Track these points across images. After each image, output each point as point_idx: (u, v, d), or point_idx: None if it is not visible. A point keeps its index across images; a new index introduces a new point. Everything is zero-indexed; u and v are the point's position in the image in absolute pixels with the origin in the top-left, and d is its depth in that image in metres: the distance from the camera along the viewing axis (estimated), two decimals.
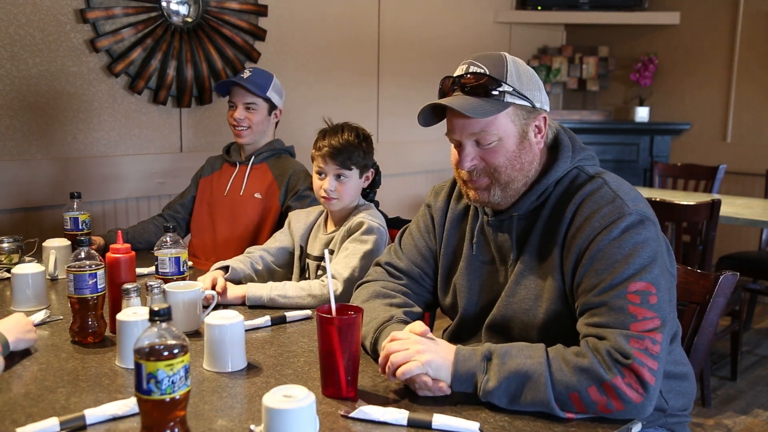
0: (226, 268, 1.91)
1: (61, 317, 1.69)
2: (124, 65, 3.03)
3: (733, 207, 3.45)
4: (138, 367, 0.97)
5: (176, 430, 0.99)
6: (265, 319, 1.65)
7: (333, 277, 1.82)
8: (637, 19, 4.93)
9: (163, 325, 0.99)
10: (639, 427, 1.18)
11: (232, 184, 2.50)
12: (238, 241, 2.42)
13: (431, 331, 1.30)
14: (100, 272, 1.54)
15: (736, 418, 2.97)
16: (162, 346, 0.97)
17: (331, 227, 2.04)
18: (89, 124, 3.01)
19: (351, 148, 1.94)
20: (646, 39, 5.15)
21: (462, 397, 1.22)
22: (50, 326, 1.63)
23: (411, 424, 1.13)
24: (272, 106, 2.49)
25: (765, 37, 4.61)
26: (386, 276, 1.59)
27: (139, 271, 1.99)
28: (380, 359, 1.25)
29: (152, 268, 1.81)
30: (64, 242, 2.11)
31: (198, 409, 1.18)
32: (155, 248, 1.74)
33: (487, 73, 1.33)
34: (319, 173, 1.97)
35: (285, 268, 2.11)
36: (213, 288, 1.78)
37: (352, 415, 1.15)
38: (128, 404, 1.16)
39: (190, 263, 1.98)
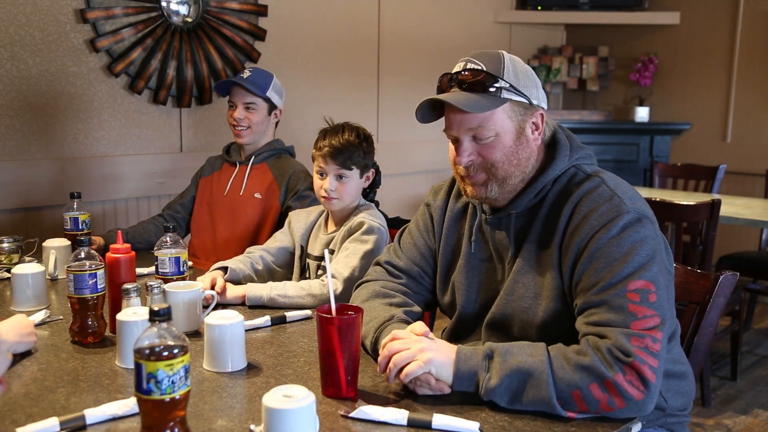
0: (225, 269, 1.91)
1: (61, 317, 1.69)
2: (124, 65, 3.03)
3: (733, 207, 3.45)
4: (138, 367, 0.97)
5: (176, 430, 0.99)
6: (265, 319, 1.65)
7: (333, 276, 1.82)
8: (637, 19, 4.94)
9: (163, 325, 0.99)
10: (639, 427, 1.18)
11: (232, 184, 2.50)
12: (238, 241, 2.42)
13: (431, 331, 1.30)
14: (100, 272, 1.54)
15: (736, 418, 2.97)
16: (162, 346, 0.97)
17: (331, 227, 2.04)
18: (89, 124, 3.01)
19: (351, 148, 1.94)
20: (646, 39, 5.15)
21: (462, 397, 1.22)
22: (50, 326, 1.63)
23: (411, 424, 1.13)
24: (272, 106, 2.49)
25: (765, 37, 4.62)
26: (386, 275, 1.59)
27: (139, 271, 1.99)
28: (381, 358, 1.25)
29: (152, 268, 1.81)
30: (64, 242, 2.11)
31: (198, 409, 1.18)
32: (155, 248, 1.74)
33: (484, 69, 1.34)
34: (320, 173, 1.97)
35: (285, 268, 2.11)
36: (212, 288, 1.78)
37: (352, 415, 1.15)
38: (128, 404, 1.16)
39: (190, 263, 1.98)
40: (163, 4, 3.11)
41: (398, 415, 1.13)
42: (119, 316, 1.40)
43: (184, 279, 1.73)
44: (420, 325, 1.29)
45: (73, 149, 2.98)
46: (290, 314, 1.70)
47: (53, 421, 1.10)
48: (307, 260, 2.06)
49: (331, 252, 1.95)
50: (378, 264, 1.63)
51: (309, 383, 1.25)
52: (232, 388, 1.28)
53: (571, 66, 5.21)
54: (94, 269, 1.52)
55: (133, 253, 1.64)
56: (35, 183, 2.87)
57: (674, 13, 4.91)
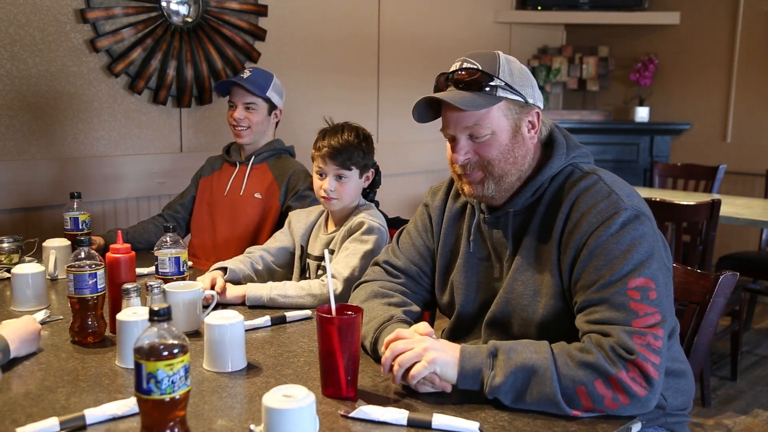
0: (225, 269, 1.91)
1: (61, 317, 1.69)
2: (124, 65, 3.03)
3: (733, 207, 3.45)
4: (138, 367, 0.97)
5: (176, 430, 0.99)
6: (265, 319, 1.65)
7: (333, 276, 1.82)
8: (637, 19, 4.94)
9: (163, 325, 0.99)
10: (639, 426, 1.19)
11: (232, 184, 2.50)
12: (238, 241, 2.42)
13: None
14: (100, 272, 1.54)
15: (736, 418, 2.97)
16: (162, 346, 0.97)
17: (331, 227, 2.04)
18: (89, 124, 3.01)
19: (351, 148, 1.94)
20: (646, 39, 5.15)
21: (462, 396, 1.22)
22: (50, 326, 1.63)
23: (411, 424, 1.13)
24: (272, 106, 2.49)
25: (765, 37, 4.62)
26: (384, 275, 1.59)
27: (139, 271, 1.99)
28: (384, 359, 1.25)
29: (152, 268, 1.81)
30: (64, 242, 2.11)
31: (198, 409, 1.18)
32: (155, 248, 1.74)
33: (480, 68, 1.35)
34: (319, 173, 1.97)
35: (285, 268, 2.11)
36: (212, 288, 1.78)
37: (352, 415, 1.15)
38: (128, 404, 1.16)
39: (190, 263, 1.98)
40: (163, 4, 3.11)
41: (398, 415, 1.13)
42: (119, 316, 1.41)
43: (184, 279, 1.73)
44: (424, 325, 1.30)
45: (73, 149, 2.98)
46: (290, 314, 1.70)
47: (53, 421, 1.10)
48: (307, 260, 2.06)
49: (331, 252, 1.95)
50: (376, 264, 1.63)
51: (309, 383, 1.25)
52: (232, 388, 1.28)
53: (571, 66, 5.21)
54: (94, 269, 1.52)
55: (133, 253, 1.64)
56: (35, 183, 2.87)
57: (674, 13, 4.91)
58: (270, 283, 1.82)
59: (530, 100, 1.38)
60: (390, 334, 1.29)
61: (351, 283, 1.79)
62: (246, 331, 1.45)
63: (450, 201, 1.57)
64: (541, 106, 1.42)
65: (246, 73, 2.46)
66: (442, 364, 1.21)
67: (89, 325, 1.51)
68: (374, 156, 2.03)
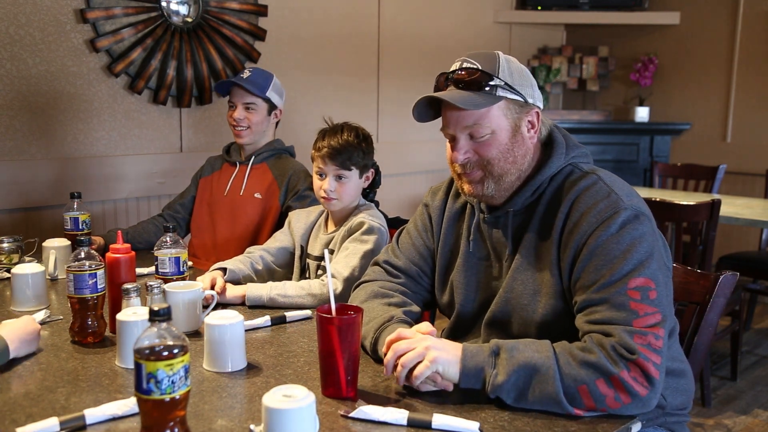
0: (225, 270, 1.91)
1: (61, 317, 1.69)
2: (124, 65, 3.03)
3: (733, 207, 3.45)
4: (138, 367, 0.97)
5: (176, 430, 0.99)
6: (265, 319, 1.65)
7: (333, 276, 1.82)
8: (637, 19, 4.94)
9: (163, 325, 0.99)
10: (639, 426, 1.19)
11: (232, 184, 2.50)
12: (238, 241, 2.42)
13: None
14: (100, 272, 1.54)
15: (736, 418, 2.97)
16: (162, 346, 0.97)
17: (331, 227, 2.04)
18: (89, 124, 3.01)
19: (350, 148, 1.94)
20: (646, 39, 5.15)
21: (462, 396, 1.22)
22: (50, 326, 1.63)
23: (411, 424, 1.13)
24: (272, 106, 2.49)
25: (765, 37, 4.62)
26: (384, 275, 1.59)
27: (139, 271, 1.99)
28: (387, 359, 1.25)
29: (152, 268, 1.81)
30: (64, 242, 2.11)
31: (198, 409, 1.18)
32: (155, 248, 1.74)
33: (480, 68, 1.36)
34: (319, 174, 1.97)
35: (285, 268, 2.11)
36: (212, 288, 1.77)
37: (352, 415, 1.15)
38: (128, 404, 1.16)
39: (190, 263, 1.98)
40: (163, 4, 3.11)
41: (398, 415, 1.13)
42: (119, 316, 1.40)
43: (184, 279, 1.73)
44: (426, 325, 1.30)
45: (73, 149, 2.98)
46: (290, 314, 1.70)
47: (53, 421, 1.10)
48: (307, 260, 2.06)
49: (331, 252, 1.95)
50: (376, 264, 1.63)
51: (309, 383, 1.25)
52: (232, 388, 1.28)
53: (571, 66, 5.21)
54: (94, 269, 1.52)
55: (133, 253, 1.64)
56: (35, 183, 2.87)
57: (674, 13, 4.91)
58: (270, 283, 1.82)
59: (530, 100, 1.39)
60: (391, 334, 1.29)
61: (351, 283, 1.79)
62: (246, 331, 1.44)
63: (450, 201, 1.58)
64: (541, 106, 1.42)
65: (246, 73, 2.46)
66: (444, 363, 1.21)
67: (89, 325, 1.51)
68: (374, 156, 2.03)
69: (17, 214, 2.84)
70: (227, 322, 1.37)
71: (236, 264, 1.95)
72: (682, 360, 1.46)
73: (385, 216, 2.09)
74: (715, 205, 2.92)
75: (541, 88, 4.92)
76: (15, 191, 2.81)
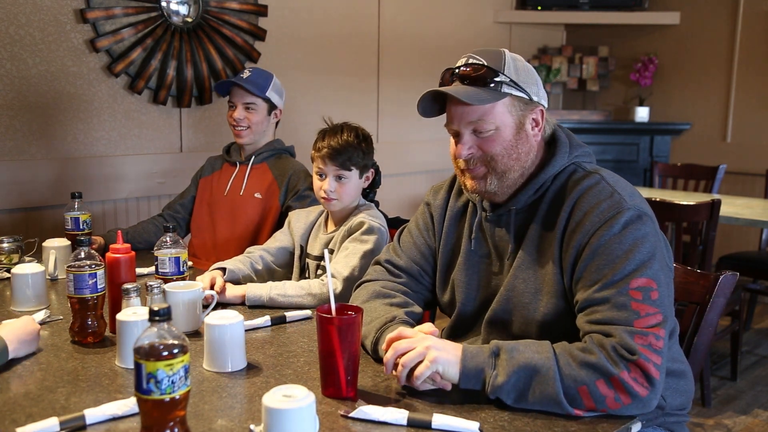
0: (224, 270, 1.91)
1: (61, 317, 1.69)
2: (124, 65, 3.03)
3: (733, 207, 3.45)
4: (138, 367, 0.97)
5: (176, 430, 0.99)
6: (265, 319, 1.65)
7: (333, 276, 1.82)
8: (637, 19, 4.94)
9: (163, 325, 0.99)
10: (638, 426, 1.19)
11: (232, 184, 2.50)
12: (238, 241, 2.42)
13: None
14: (100, 272, 1.54)
15: (736, 418, 2.97)
16: (162, 346, 0.97)
17: (331, 227, 2.04)
18: (89, 124, 3.01)
19: (350, 148, 1.93)
20: (646, 39, 5.15)
21: (462, 396, 1.22)
22: (50, 326, 1.63)
23: (411, 424, 1.13)
24: (272, 106, 2.49)
25: (765, 37, 4.62)
26: (386, 274, 1.59)
27: (139, 271, 1.99)
28: (387, 358, 1.25)
29: (152, 268, 1.81)
30: (64, 242, 2.11)
31: (198, 409, 1.18)
32: (155, 248, 1.74)
33: (485, 64, 1.36)
34: (319, 174, 1.97)
35: (285, 268, 2.11)
36: (211, 287, 1.77)
37: (352, 415, 1.15)
38: (128, 404, 1.16)
39: (190, 263, 1.98)
40: (163, 4, 3.11)
41: (398, 415, 1.13)
42: (119, 316, 1.40)
43: (184, 279, 1.73)
44: (429, 326, 1.30)
45: (73, 149, 2.98)
46: (290, 314, 1.70)
47: (53, 421, 1.10)
48: (307, 260, 2.06)
49: (331, 252, 1.95)
50: (378, 263, 1.63)
51: (309, 383, 1.25)
52: (232, 388, 1.28)
53: (571, 66, 5.21)
54: (94, 269, 1.52)
55: (133, 253, 1.64)
56: (35, 183, 2.87)
57: (674, 13, 4.91)
58: (270, 283, 1.82)
59: (534, 98, 1.39)
60: (392, 333, 1.29)
61: (351, 282, 1.79)
62: (246, 331, 1.45)
63: (452, 199, 1.58)
64: (546, 105, 1.42)
65: (246, 73, 2.46)
66: (444, 364, 1.21)
67: (89, 325, 1.51)
68: (374, 156, 2.03)
69: (17, 214, 2.84)
70: (227, 322, 1.37)
71: (236, 264, 1.95)
72: (683, 361, 1.46)
73: (385, 216, 2.09)
74: (715, 205, 2.92)
75: None
76: (15, 191, 2.81)
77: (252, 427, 1.10)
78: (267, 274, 2.04)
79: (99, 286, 1.53)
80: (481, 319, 1.47)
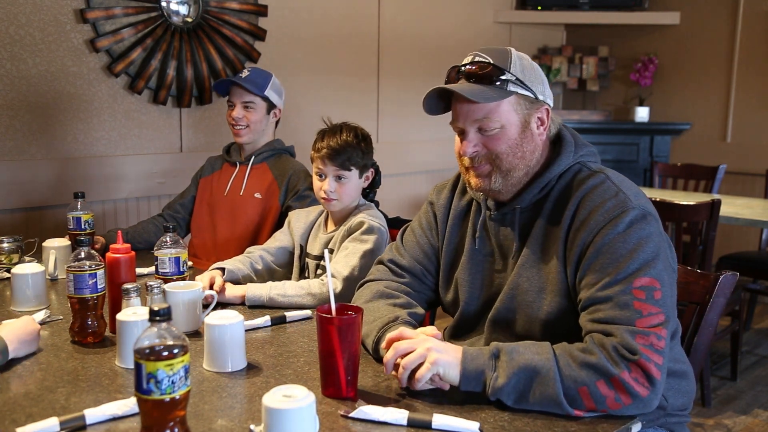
0: (223, 270, 1.91)
1: (61, 317, 1.69)
2: (124, 65, 3.03)
3: (733, 207, 3.45)
4: (138, 367, 0.97)
5: (176, 430, 0.99)
6: (265, 319, 1.65)
7: (333, 276, 1.82)
8: (637, 19, 4.94)
9: (163, 325, 0.99)
10: (639, 426, 1.19)
11: (232, 184, 2.50)
12: (238, 241, 2.42)
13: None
14: (100, 272, 1.54)
15: (736, 418, 2.97)
16: (162, 346, 0.97)
17: (331, 227, 2.04)
18: (89, 124, 3.01)
19: (350, 149, 1.93)
20: (646, 39, 5.15)
21: (462, 396, 1.22)
22: (50, 326, 1.63)
23: (411, 424, 1.13)
24: (271, 105, 2.49)
25: (765, 37, 4.62)
26: (389, 274, 1.59)
27: (139, 271, 1.99)
28: (387, 358, 1.25)
29: (152, 268, 1.81)
30: (64, 242, 2.11)
31: (198, 409, 1.18)
32: (155, 248, 1.74)
33: (491, 62, 1.36)
34: (319, 174, 1.97)
35: (285, 267, 2.11)
36: (210, 287, 1.77)
37: (352, 415, 1.15)
38: (128, 404, 1.16)
39: (190, 263, 1.98)
40: (163, 4, 3.11)
41: (398, 415, 1.13)
42: (119, 316, 1.40)
43: (184, 279, 1.73)
44: (431, 328, 1.31)
45: (73, 149, 2.98)
46: (290, 314, 1.70)
47: (53, 421, 1.10)
48: (307, 260, 2.06)
49: (331, 251, 1.95)
50: (381, 263, 1.63)
51: (309, 383, 1.25)
52: (232, 388, 1.28)
53: (571, 66, 5.21)
54: (94, 269, 1.52)
55: (133, 253, 1.63)
56: (35, 183, 2.86)
57: (674, 13, 4.91)
58: (269, 283, 1.82)
59: (540, 97, 1.39)
60: (393, 333, 1.29)
61: (350, 282, 1.79)
62: (246, 331, 1.44)
63: (456, 199, 1.58)
64: (551, 104, 1.43)
65: (244, 73, 2.46)
66: (444, 366, 1.21)
67: (89, 325, 1.51)
68: (374, 156, 2.03)
69: (17, 214, 2.84)
70: (227, 322, 1.37)
71: (235, 264, 1.95)
72: (684, 361, 1.46)
73: (385, 216, 2.09)
74: (715, 205, 2.92)
75: None
76: (15, 191, 2.81)
77: (252, 427, 1.10)
78: (267, 274, 2.04)
79: (99, 286, 1.53)
80: (484, 319, 1.47)
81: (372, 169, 2.03)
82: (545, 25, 5.27)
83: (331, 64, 3.90)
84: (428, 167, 4.42)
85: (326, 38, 3.86)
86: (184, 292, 1.58)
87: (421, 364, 1.21)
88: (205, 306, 1.67)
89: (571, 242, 1.33)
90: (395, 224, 2.20)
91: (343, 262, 1.85)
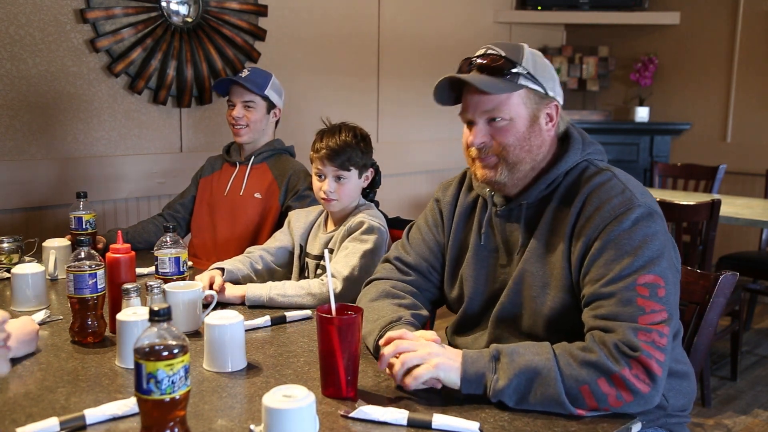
0: (223, 270, 1.91)
1: (61, 317, 1.69)
2: (124, 65, 3.03)
3: (733, 207, 3.45)
4: (138, 367, 0.97)
5: (176, 430, 0.99)
6: (265, 319, 1.65)
7: (332, 275, 1.82)
8: (637, 19, 4.94)
9: (163, 325, 0.99)
10: (639, 426, 1.19)
11: (232, 184, 2.50)
12: (238, 241, 2.42)
13: (431, 329, 1.31)
14: (100, 272, 1.54)
15: (736, 418, 2.97)
16: (162, 346, 0.97)
17: (331, 227, 2.04)
18: (89, 124, 3.01)
19: (349, 149, 1.93)
20: (646, 39, 5.15)
21: (462, 397, 1.22)
22: (50, 326, 1.63)
23: (411, 424, 1.13)
24: (271, 105, 2.50)
25: (765, 37, 4.62)
26: (395, 272, 1.59)
27: (139, 271, 1.99)
28: (385, 353, 1.24)
29: (152, 268, 1.81)
30: (64, 242, 2.11)
31: (198, 409, 1.18)
32: (155, 248, 1.74)
33: (503, 55, 1.37)
34: (319, 175, 1.97)
35: (285, 267, 2.11)
36: (210, 287, 1.77)
37: (352, 415, 1.15)
38: (128, 404, 1.16)
39: (190, 263, 1.98)
40: (163, 4, 3.11)
41: (398, 415, 1.13)
42: (119, 316, 1.41)
43: (184, 279, 1.73)
44: (431, 333, 1.31)
45: (73, 149, 2.98)
46: (290, 314, 1.70)
47: (53, 421, 1.10)
48: (306, 260, 2.06)
49: (331, 251, 1.95)
50: (387, 261, 1.63)
51: (309, 383, 1.25)
52: (232, 388, 1.28)
53: (571, 66, 5.21)
54: (94, 269, 1.52)
55: (133, 253, 1.64)
56: (35, 183, 2.86)
57: (674, 13, 4.91)
58: (269, 283, 1.82)
59: (550, 93, 1.40)
60: (395, 332, 1.29)
61: (350, 282, 1.79)
62: (246, 331, 1.44)
63: (462, 195, 1.58)
64: (561, 101, 1.43)
65: (244, 72, 2.46)
66: (445, 369, 1.21)
67: (89, 325, 1.51)
68: (374, 156, 2.03)
69: (17, 214, 2.84)
70: (227, 322, 1.37)
71: (235, 264, 1.95)
72: (686, 362, 1.46)
73: (385, 216, 2.09)
74: (715, 205, 2.92)
75: None
76: (15, 191, 2.81)
77: (252, 427, 1.10)
78: (267, 274, 2.04)
79: (99, 286, 1.53)
80: (488, 314, 1.47)
81: (371, 169, 2.03)
82: (545, 25, 5.27)
83: (331, 64, 3.90)
84: (428, 167, 4.42)
85: (326, 38, 3.86)
86: (184, 292, 1.58)
87: (419, 364, 1.21)
88: (205, 306, 1.67)
89: (577, 238, 1.33)
90: (395, 224, 2.20)
91: (343, 262, 1.85)
